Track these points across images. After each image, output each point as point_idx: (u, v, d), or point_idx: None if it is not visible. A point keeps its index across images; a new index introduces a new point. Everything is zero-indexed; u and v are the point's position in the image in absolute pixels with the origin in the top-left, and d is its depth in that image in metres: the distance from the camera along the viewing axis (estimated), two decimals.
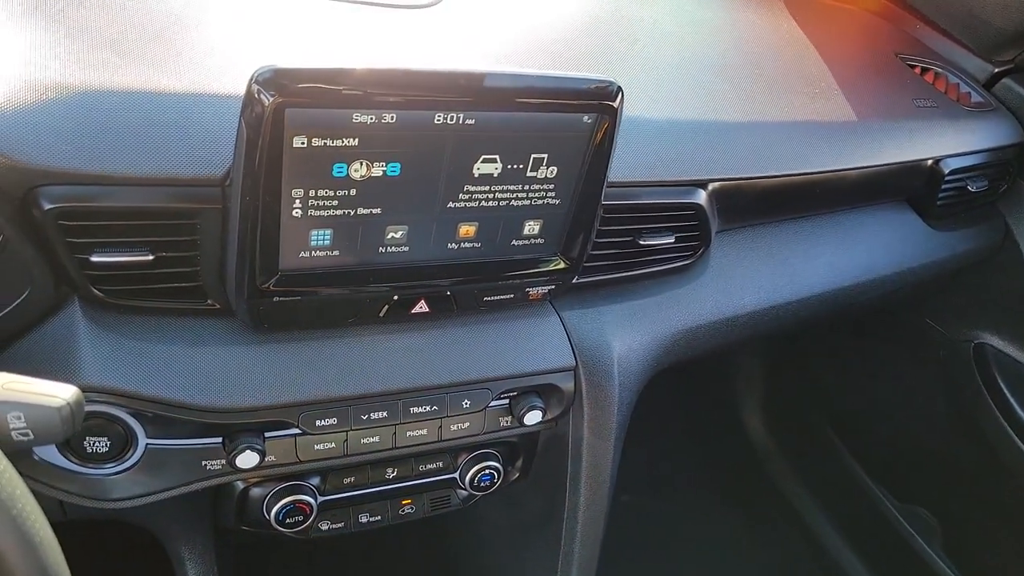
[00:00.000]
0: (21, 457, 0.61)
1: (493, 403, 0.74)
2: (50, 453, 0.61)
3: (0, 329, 0.58)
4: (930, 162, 1.01)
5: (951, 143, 1.02)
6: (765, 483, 1.60)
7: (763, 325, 0.91)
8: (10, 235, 0.54)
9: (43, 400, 0.42)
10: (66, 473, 0.62)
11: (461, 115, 0.58)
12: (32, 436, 0.42)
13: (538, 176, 0.64)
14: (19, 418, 0.42)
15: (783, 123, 0.90)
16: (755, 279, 0.90)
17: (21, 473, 0.60)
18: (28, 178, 0.53)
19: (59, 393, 0.43)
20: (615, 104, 0.62)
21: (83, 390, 0.58)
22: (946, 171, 1.01)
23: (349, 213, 0.60)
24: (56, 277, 0.58)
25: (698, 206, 0.79)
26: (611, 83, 0.61)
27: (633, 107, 0.79)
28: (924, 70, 1.12)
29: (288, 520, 0.73)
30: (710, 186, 0.81)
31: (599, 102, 0.62)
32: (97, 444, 0.62)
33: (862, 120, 0.96)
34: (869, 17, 1.21)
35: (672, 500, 1.54)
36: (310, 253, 0.61)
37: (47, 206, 0.54)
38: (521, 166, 0.63)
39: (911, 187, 1.03)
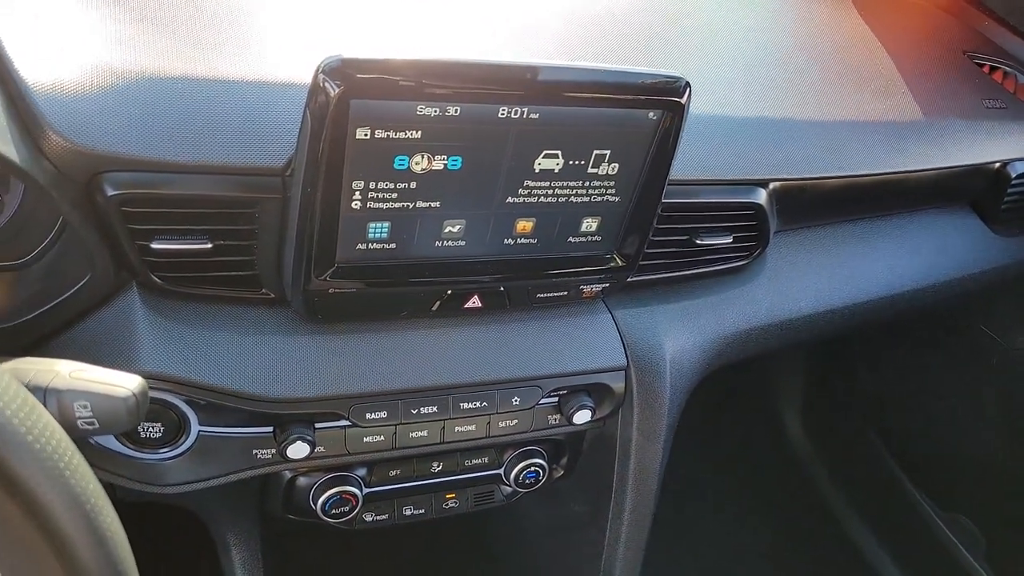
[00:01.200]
0: (78, 443, 0.61)
1: (543, 401, 0.73)
2: (106, 438, 0.62)
3: (62, 312, 0.58)
4: (997, 165, 0.97)
5: (1020, 146, 0.98)
6: (804, 489, 1.57)
7: (818, 328, 0.89)
8: (74, 220, 0.54)
9: (110, 391, 0.42)
10: (121, 458, 0.62)
11: (525, 109, 0.56)
12: (97, 425, 0.42)
13: (599, 173, 0.63)
14: (85, 407, 0.42)
15: (847, 122, 0.87)
16: (812, 281, 0.88)
17: None
18: (93, 164, 0.53)
19: (126, 384, 0.43)
20: (682, 100, 0.60)
21: (141, 376, 0.59)
22: (1013, 175, 0.97)
23: (408, 206, 0.59)
24: (117, 263, 0.58)
25: (758, 206, 0.77)
26: (679, 79, 0.59)
27: (694, 104, 0.77)
28: (993, 69, 1.07)
29: (334, 511, 0.73)
30: (771, 185, 0.79)
31: (666, 98, 0.60)
32: (151, 430, 0.62)
33: (928, 120, 0.93)
34: (937, 13, 1.17)
35: (708, 504, 1.52)
36: (367, 246, 0.60)
37: (110, 192, 0.54)
38: (583, 162, 0.62)
39: (975, 190, 0.99)
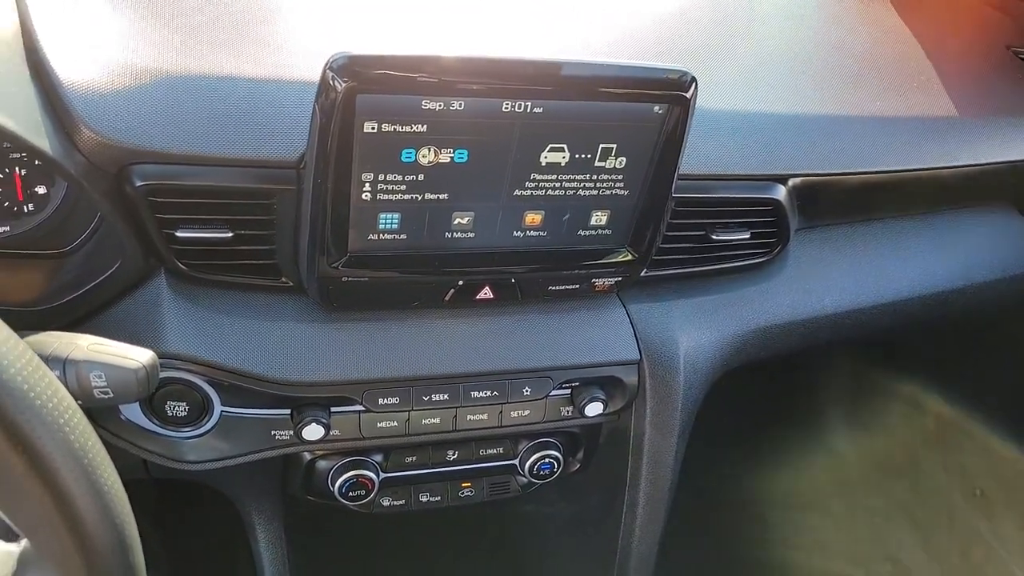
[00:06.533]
0: (110, 417, 0.65)
1: (554, 392, 0.74)
2: (136, 415, 0.66)
3: (95, 296, 0.63)
4: None
5: None
6: (848, 499, 1.53)
7: (846, 328, 0.87)
8: (105, 209, 0.58)
9: (123, 362, 0.46)
10: (149, 434, 0.66)
11: (529, 103, 0.58)
12: (112, 395, 0.46)
13: (606, 166, 0.64)
14: (100, 377, 0.45)
15: (878, 118, 0.85)
16: (838, 280, 0.86)
17: (110, 431, 0.65)
18: (122, 156, 0.57)
19: (137, 356, 0.47)
20: (688, 95, 0.61)
21: (165, 357, 0.63)
22: None
23: (417, 198, 0.61)
24: (145, 250, 0.62)
25: (776, 202, 0.76)
26: (685, 73, 0.60)
27: (715, 99, 0.77)
28: None
29: (351, 493, 0.75)
30: (790, 182, 0.78)
31: (671, 92, 0.60)
32: (177, 409, 0.66)
33: (966, 116, 0.90)
34: (980, 7, 1.13)
35: (746, 510, 1.50)
36: (378, 236, 0.63)
37: (138, 183, 0.58)
38: (589, 156, 0.63)
39: (1017, 189, 0.96)
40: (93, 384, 0.45)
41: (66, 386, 0.44)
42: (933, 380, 1.41)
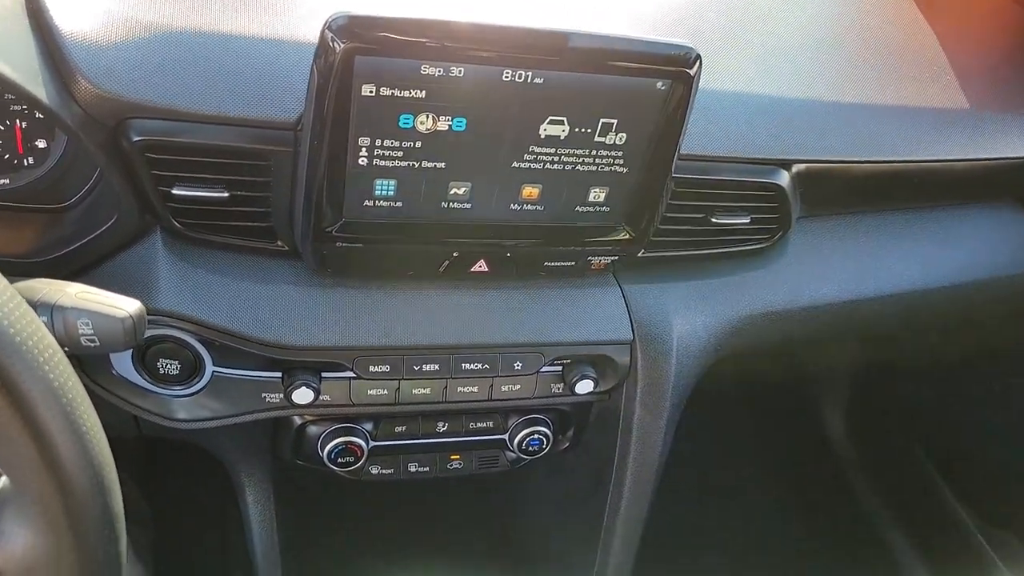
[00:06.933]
0: (102, 371, 0.66)
1: (545, 368, 0.74)
2: (128, 371, 0.66)
3: (91, 250, 0.63)
4: None
5: None
6: (843, 496, 1.53)
7: (843, 319, 0.87)
8: (101, 162, 0.59)
9: (110, 310, 0.46)
10: (141, 391, 0.67)
11: (529, 73, 0.57)
12: (98, 343, 0.46)
13: (606, 142, 0.63)
14: (87, 324, 0.45)
15: (887, 107, 0.84)
16: (837, 269, 0.85)
17: (101, 385, 0.65)
18: (120, 110, 0.57)
19: (124, 306, 0.47)
20: (691, 72, 0.60)
21: (157, 313, 0.63)
22: None
23: (414, 165, 0.61)
24: (141, 207, 0.62)
25: (778, 187, 0.76)
26: (690, 49, 0.59)
27: (724, 81, 0.76)
28: None
29: (340, 460, 0.76)
30: (794, 168, 0.77)
31: (675, 68, 0.60)
32: (169, 366, 0.66)
33: (980, 110, 0.89)
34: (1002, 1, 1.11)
35: (740, 500, 1.50)
36: (374, 202, 0.63)
37: (135, 138, 0.58)
38: (589, 130, 0.62)
39: None
40: (80, 331, 0.45)
41: (53, 332, 0.45)
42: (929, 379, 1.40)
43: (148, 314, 0.63)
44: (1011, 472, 1.30)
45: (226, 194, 0.62)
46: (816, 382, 1.59)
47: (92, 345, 0.46)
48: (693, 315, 0.79)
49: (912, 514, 1.46)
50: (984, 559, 1.33)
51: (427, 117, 0.58)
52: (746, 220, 0.77)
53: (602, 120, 0.62)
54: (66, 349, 0.44)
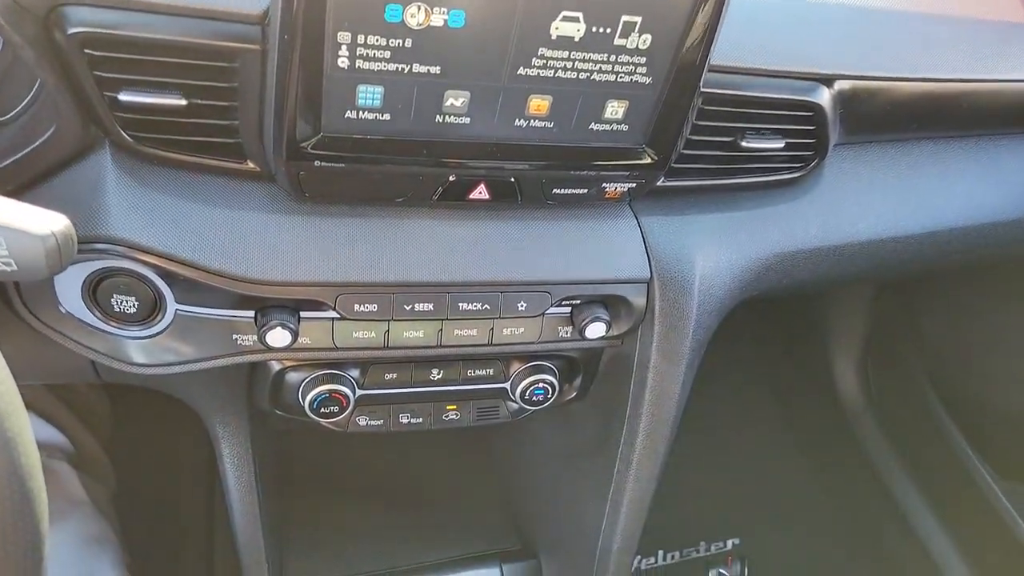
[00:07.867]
0: (47, 307, 0.58)
1: (552, 309, 0.67)
2: (77, 307, 0.58)
3: (27, 166, 0.54)
4: None
5: None
6: (851, 443, 1.48)
7: (879, 259, 0.79)
8: (32, 61, 0.49)
9: (27, 227, 0.37)
10: (92, 330, 0.59)
11: None
12: (15, 267, 0.38)
13: (627, 45, 0.54)
14: (0, 244, 0.37)
15: (944, 18, 0.75)
16: (875, 203, 0.78)
17: (46, 324, 0.57)
18: None
19: (46, 222, 0.38)
20: None
21: (108, 242, 0.54)
22: None
23: (403, 69, 0.52)
24: (84, 115, 0.53)
25: (817, 106, 0.67)
26: None
27: None
28: None
29: (323, 409, 0.69)
30: (836, 85, 0.68)
31: None
32: (125, 304, 0.58)
33: None
34: None
35: (745, 440, 1.45)
36: (357, 114, 0.54)
37: (70, 30, 0.49)
38: (608, 30, 0.53)
39: None
40: None
41: None
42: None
43: (97, 242, 0.55)
44: None
45: (183, 102, 0.53)
46: (827, 324, 1.53)
47: (8, 269, 0.38)
48: (718, 252, 0.71)
49: (927, 467, 1.42)
50: (999, 511, 1.29)
51: (418, 9, 0.49)
52: (779, 144, 0.68)
53: (624, 17, 0.53)
54: None
